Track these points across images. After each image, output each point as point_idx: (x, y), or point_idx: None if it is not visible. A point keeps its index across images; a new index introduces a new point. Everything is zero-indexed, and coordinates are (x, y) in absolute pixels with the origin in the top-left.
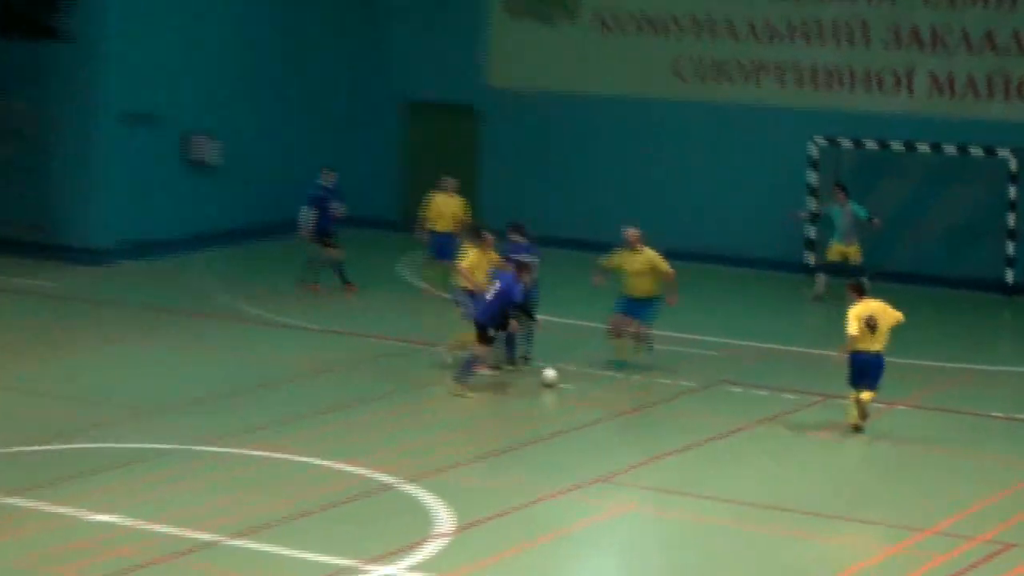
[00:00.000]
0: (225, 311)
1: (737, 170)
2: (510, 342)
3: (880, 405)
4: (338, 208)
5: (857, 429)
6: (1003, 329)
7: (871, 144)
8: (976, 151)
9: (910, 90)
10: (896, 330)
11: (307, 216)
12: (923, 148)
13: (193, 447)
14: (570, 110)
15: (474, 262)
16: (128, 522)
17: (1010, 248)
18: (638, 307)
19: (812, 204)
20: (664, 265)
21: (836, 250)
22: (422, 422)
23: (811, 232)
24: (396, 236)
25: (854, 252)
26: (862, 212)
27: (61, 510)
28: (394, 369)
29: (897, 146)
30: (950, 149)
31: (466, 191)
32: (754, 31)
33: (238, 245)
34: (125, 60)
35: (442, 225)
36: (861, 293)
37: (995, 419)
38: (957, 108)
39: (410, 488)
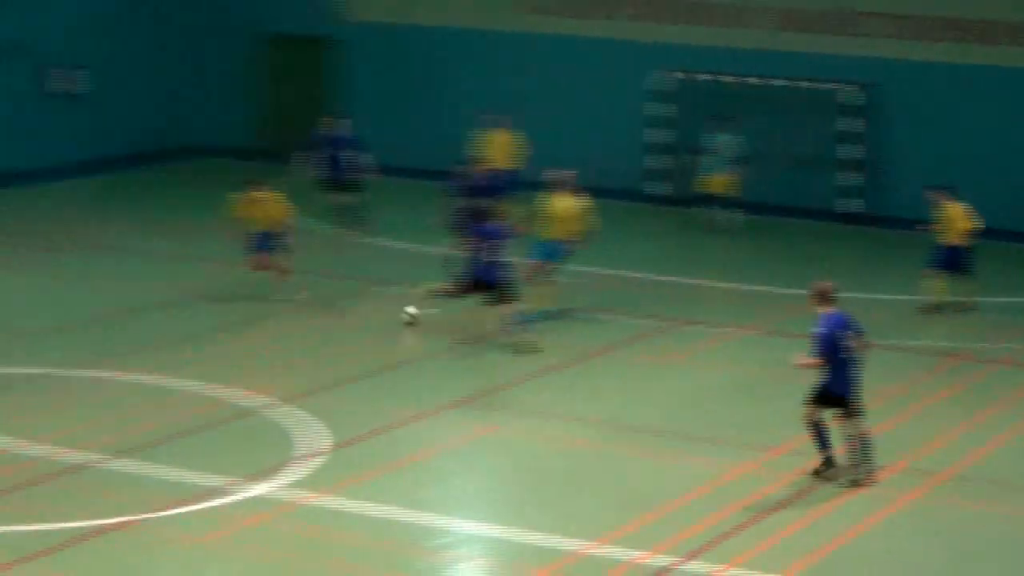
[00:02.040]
0: (89, 240)
1: (590, 102)
2: None
3: (730, 330)
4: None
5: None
6: (846, 258)
7: (726, 78)
8: (818, 85)
9: (762, 26)
10: (749, 260)
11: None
12: (776, 82)
13: (63, 372)
14: (425, 42)
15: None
16: (5, 444)
17: (848, 179)
18: (559, 249)
19: (658, 135)
20: (589, 217)
21: (718, 181)
22: (292, 346)
23: (648, 162)
24: (258, 164)
25: (733, 183)
26: (737, 148)
27: None
28: (262, 295)
29: (751, 80)
30: (799, 83)
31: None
32: None
33: (108, 174)
34: None
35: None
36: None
37: None
38: (804, 43)
39: (284, 410)
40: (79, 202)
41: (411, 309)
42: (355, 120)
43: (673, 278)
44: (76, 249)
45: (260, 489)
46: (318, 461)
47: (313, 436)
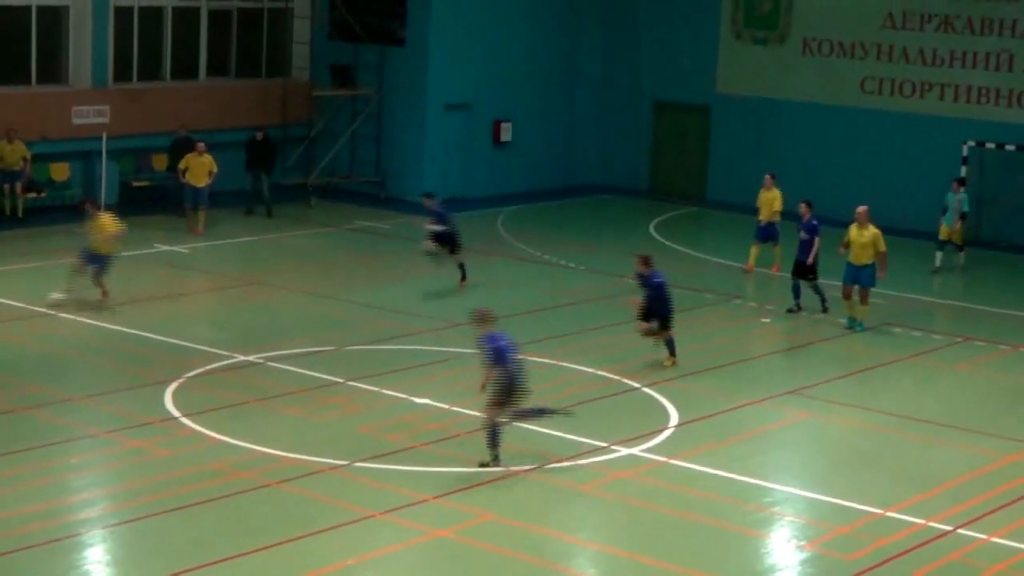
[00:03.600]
0: (509, 251)
1: (904, 165)
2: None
3: (1005, 347)
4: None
5: None
6: None
7: (1009, 146)
8: None
9: None
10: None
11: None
12: None
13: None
14: (778, 112)
15: None
16: (441, 405)
17: None
18: (859, 272)
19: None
20: (882, 243)
21: (944, 231)
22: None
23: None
24: (645, 201)
25: (956, 234)
26: (966, 205)
27: (393, 393)
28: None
29: None
30: None
31: (697, 170)
32: (922, 56)
33: (526, 204)
34: (443, 61)
35: (764, 215)
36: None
37: None
38: None
39: (648, 391)
40: (508, 224)
41: (57, 294)
42: (714, 165)
43: (959, 303)
44: (503, 258)
45: (627, 450)
46: (672, 432)
47: (669, 413)
